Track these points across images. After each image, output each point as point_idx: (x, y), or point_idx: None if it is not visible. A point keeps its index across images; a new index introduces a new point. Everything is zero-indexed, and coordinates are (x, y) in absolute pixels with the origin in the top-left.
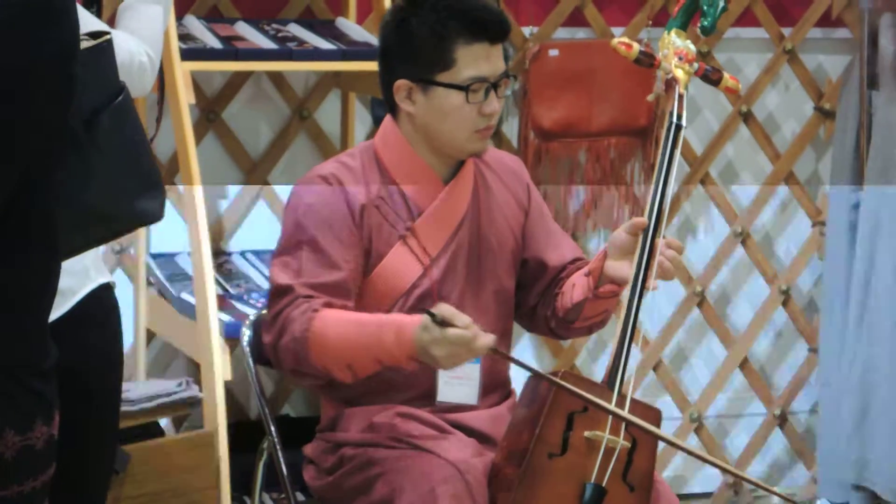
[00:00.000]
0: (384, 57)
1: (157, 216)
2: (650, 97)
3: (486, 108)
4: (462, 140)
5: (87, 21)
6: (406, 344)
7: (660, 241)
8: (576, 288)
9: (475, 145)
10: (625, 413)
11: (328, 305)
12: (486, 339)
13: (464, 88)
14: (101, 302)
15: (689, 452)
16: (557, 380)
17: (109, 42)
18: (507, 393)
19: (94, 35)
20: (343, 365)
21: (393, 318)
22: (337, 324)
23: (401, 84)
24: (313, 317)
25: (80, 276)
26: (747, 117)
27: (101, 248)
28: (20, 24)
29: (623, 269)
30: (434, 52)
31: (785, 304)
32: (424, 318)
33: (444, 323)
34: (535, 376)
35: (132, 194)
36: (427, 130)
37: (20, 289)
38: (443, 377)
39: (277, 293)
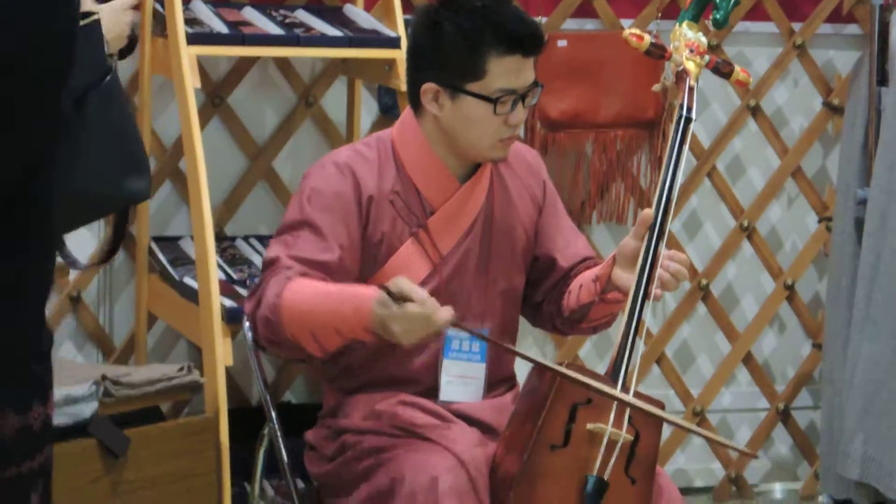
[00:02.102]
0: (413, 55)
1: (143, 195)
2: (656, 87)
3: (513, 118)
4: (484, 148)
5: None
6: (364, 317)
7: (662, 249)
8: (583, 289)
9: (497, 153)
10: (628, 397)
11: (304, 275)
12: (445, 314)
13: (492, 100)
14: None
15: (689, 430)
16: (554, 365)
17: (97, 22)
18: (512, 385)
19: (83, 15)
20: (308, 333)
21: (356, 290)
22: (304, 291)
23: (428, 87)
24: (286, 284)
25: None
26: (755, 111)
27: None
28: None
29: (628, 280)
30: (466, 60)
31: (790, 299)
32: (380, 292)
33: (400, 298)
34: (519, 357)
35: (120, 174)
36: (451, 134)
37: (21, 276)
38: (446, 376)
39: (265, 265)
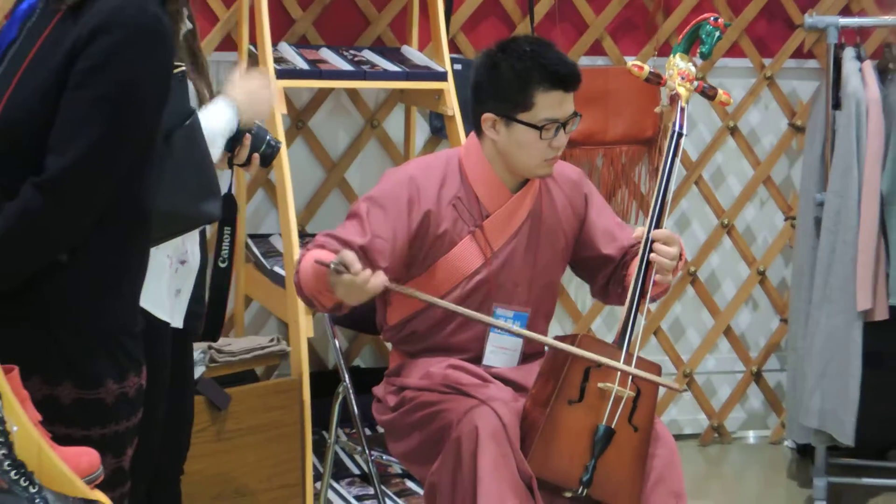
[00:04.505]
0: (475, 90)
1: (215, 217)
2: (657, 109)
3: (556, 142)
4: (533, 166)
5: None
6: (323, 281)
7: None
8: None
9: (543, 170)
10: (629, 368)
11: (320, 247)
12: (377, 280)
13: (539, 128)
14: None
15: (677, 390)
16: (559, 343)
17: (184, 73)
18: (541, 351)
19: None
20: (314, 294)
21: (322, 260)
22: (308, 261)
23: (487, 116)
24: (303, 257)
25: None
26: (734, 131)
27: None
28: (135, 42)
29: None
30: (518, 95)
31: (762, 282)
32: (330, 267)
33: (339, 271)
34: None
35: (197, 198)
36: (505, 155)
37: (128, 267)
38: (490, 346)
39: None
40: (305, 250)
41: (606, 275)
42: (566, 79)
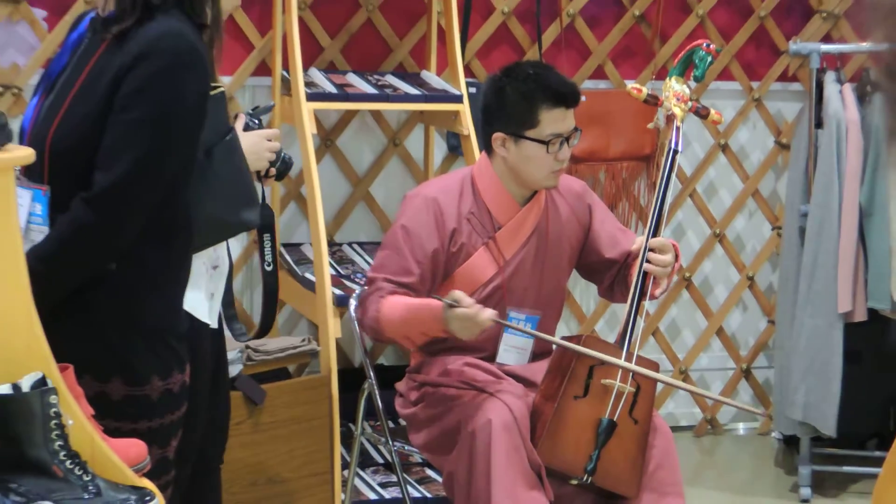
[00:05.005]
0: (485, 113)
1: (254, 224)
2: (650, 125)
3: (561, 155)
4: (541, 179)
5: None
6: (438, 321)
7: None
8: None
9: (550, 182)
10: (630, 365)
11: (392, 293)
12: (487, 313)
13: (545, 142)
14: None
15: (676, 385)
16: (568, 343)
17: (223, 94)
18: (549, 351)
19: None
20: (402, 336)
21: (429, 303)
22: (395, 308)
23: (497, 136)
24: (381, 303)
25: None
26: (724, 148)
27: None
28: (172, 68)
29: (660, 259)
30: (524, 113)
31: (751, 287)
32: (442, 302)
33: (453, 305)
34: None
35: (238, 207)
36: (515, 170)
37: (170, 273)
38: (503, 346)
39: (367, 282)
40: (372, 298)
41: (611, 276)
42: (567, 97)
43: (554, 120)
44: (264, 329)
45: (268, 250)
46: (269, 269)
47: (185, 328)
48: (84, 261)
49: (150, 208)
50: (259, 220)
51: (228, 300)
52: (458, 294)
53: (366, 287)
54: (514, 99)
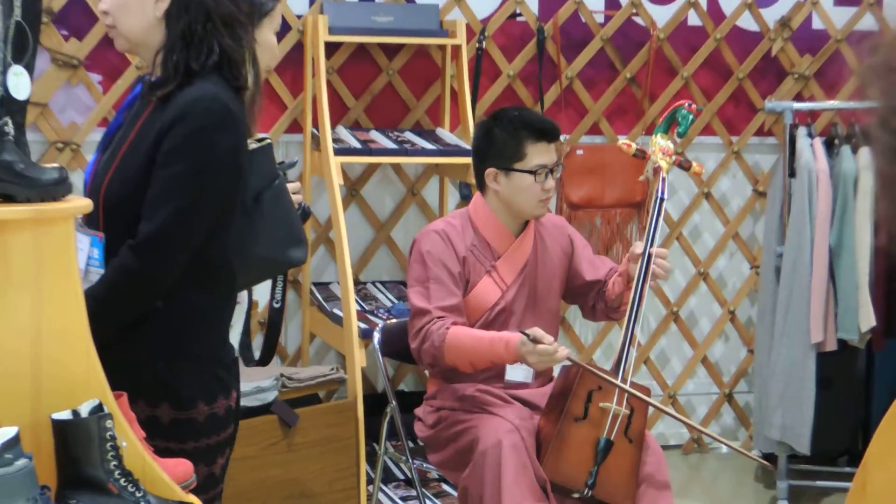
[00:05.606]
0: (477, 153)
1: (302, 261)
2: (641, 178)
3: (547, 185)
4: (531, 207)
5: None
6: (511, 353)
7: (654, 252)
8: (615, 285)
9: (539, 210)
10: (627, 387)
11: (455, 323)
12: (564, 352)
13: (532, 173)
14: None
15: (667, 413)
16: (591, 368)
17: (270, 144)
18: (550, 377)
19: (258, 140)
20: (467, 363)
21: (501, 335)
22: (461, 339)
23: (490, 171)
24: (446, 333)
25: None
26: (707, 196)
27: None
28: (206, 128)
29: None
30: (513, 148)
31: (732, 320)
32: (522, 336)
33: (535, 340)
34: (576, 366)
35: (286, 246)
36: (507, 202)
37: (213, 310)
38: (509, 365)
39: (418, 313)
40: (433, 328)
41: (593, 297)
42: (549, 132)
43: (539, 152)
44: (265, 358)
45: (278, 289)
46: (277, 306)
47: (231, 357)
48: (130, 301)
49: (189, 253)
50: (306, 258)
51: (245, 330)
52: (539, 332)
53: (419, 319)
54: (503, 137)
